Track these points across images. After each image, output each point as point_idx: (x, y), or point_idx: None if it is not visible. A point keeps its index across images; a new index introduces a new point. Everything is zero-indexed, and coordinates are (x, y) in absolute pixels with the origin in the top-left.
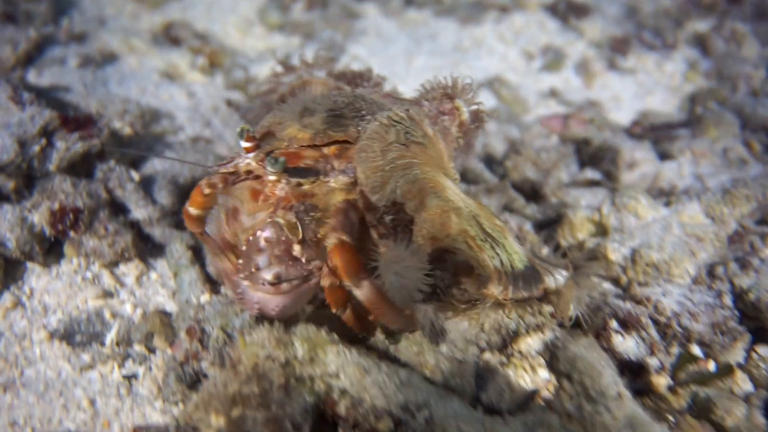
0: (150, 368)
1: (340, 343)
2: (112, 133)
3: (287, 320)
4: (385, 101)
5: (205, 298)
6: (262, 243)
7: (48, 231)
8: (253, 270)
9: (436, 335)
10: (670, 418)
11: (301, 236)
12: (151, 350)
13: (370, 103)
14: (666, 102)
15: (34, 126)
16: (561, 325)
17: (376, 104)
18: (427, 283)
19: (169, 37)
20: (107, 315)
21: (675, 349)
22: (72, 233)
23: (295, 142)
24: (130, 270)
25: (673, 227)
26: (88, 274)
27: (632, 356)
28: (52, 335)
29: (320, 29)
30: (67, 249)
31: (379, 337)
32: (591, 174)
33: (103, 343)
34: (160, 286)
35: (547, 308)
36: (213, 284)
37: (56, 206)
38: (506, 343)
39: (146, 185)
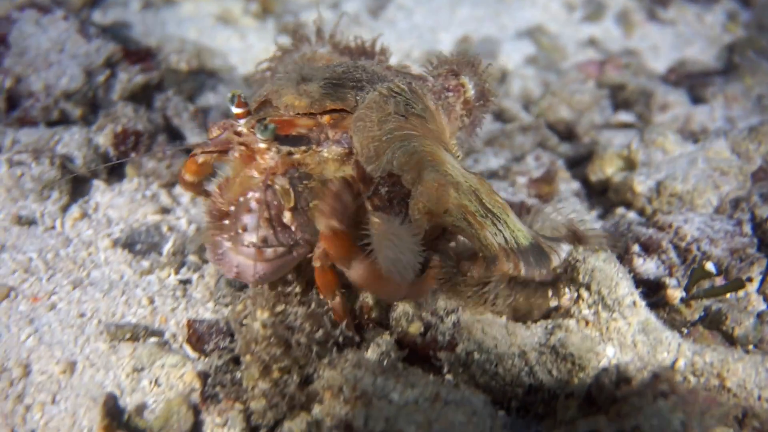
0: (203, 276)
1: None
2: (170, 67)
3: None
4: (388, 73)
5: None
6: (253, 204)
7: (111, 151)
8: (239, 230)
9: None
10: (683, 329)
11: (293, 203)
12: (204, 260)
13: (371, 74)
14: (704, 52)
15: (99, 57)
16: None
17: (377, 75)
18: (420, 260)
19: None
20: (164, 228)
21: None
22: (133, 154)
23: (291, 110)
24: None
25: (699, 161)
26: (148, 193)
27: (651, 276)
28: (115, 243)
29: None
30: (129, 169)
31: None
32: (624, 116)
33: (160, 253)
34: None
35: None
36: None
37: (119, 129)
38: None
39: (201, 115)
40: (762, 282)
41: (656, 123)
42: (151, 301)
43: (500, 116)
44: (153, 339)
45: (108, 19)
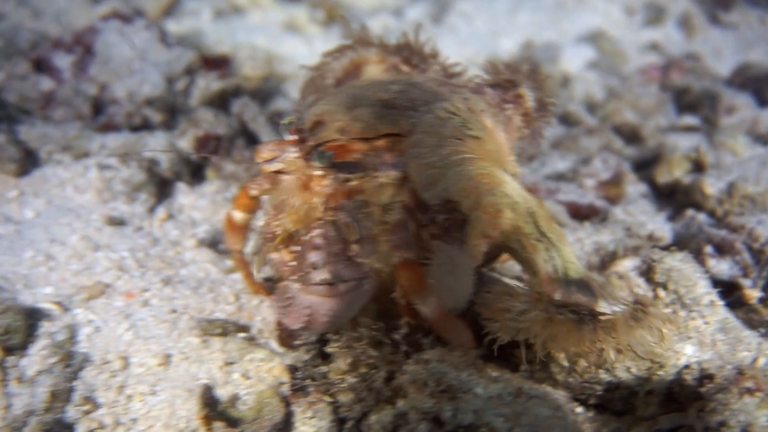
0: None
1: None
2: (243, 73)
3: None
4: (443, 90)
5: None
6: (319, 240)
7: (194, 155)
8: (307, 270)
9: None
10: (761, 329)
11: (357, 235)
12: None
13: (426, 92)
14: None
15: (179, 65)
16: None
17: (432, 93)
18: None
19: None
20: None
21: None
22: (213, 157)
23: (345, 135)
24: None
25: None
26: (228, 194)
27: (726, 277)
28: (200, 243)
29: None
30: (210, 172)
31: None
32: (689, 119)
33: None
34: None
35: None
36: None
37: (201, 133)
38: (605, 264)
39: (273, 119)
40: None
41: (723, 126)
42: (237, 298)
43: (565, 120)
44: (241, 334)
45: (183, 27)
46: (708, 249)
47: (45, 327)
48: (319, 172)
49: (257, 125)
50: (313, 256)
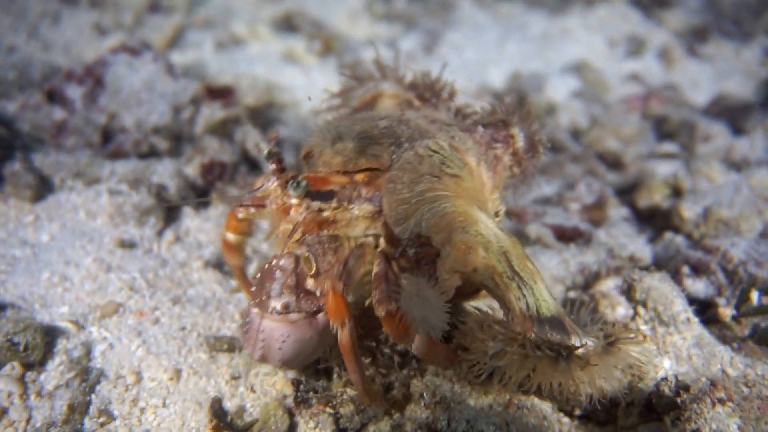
0: None
1: None
2: (244, 102)
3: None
4: (431, 127)
5: None
6: (276, 271)
7: (200, 181)
8: (264, 297)
9: None
10: (734, 344)
11: (315, 270)
12: None
13: (413, 129)
14: (742, 86)
15: (185, 95)
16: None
17: (419, 131)
18: (447, 318)
19: (289, 24)
20: (249, 251)
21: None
22: (218, 183)
23: (328, 167)
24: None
25: (743, 189)
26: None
27: (701, 295)
28: (206, 264)
29: (420, 19)
30: (215, 197)
31: None
32: (668, 147)
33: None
34: None
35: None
36: None
37: (206, 160)
38: (588, 283)
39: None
40: None
41: (700, 153)
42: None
43: (551, 146)
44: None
45: (186, 58)
46: (685, 269)
47: (62, 344)
48: (294, 201)
49: (259, 153)
50: (270, 285)
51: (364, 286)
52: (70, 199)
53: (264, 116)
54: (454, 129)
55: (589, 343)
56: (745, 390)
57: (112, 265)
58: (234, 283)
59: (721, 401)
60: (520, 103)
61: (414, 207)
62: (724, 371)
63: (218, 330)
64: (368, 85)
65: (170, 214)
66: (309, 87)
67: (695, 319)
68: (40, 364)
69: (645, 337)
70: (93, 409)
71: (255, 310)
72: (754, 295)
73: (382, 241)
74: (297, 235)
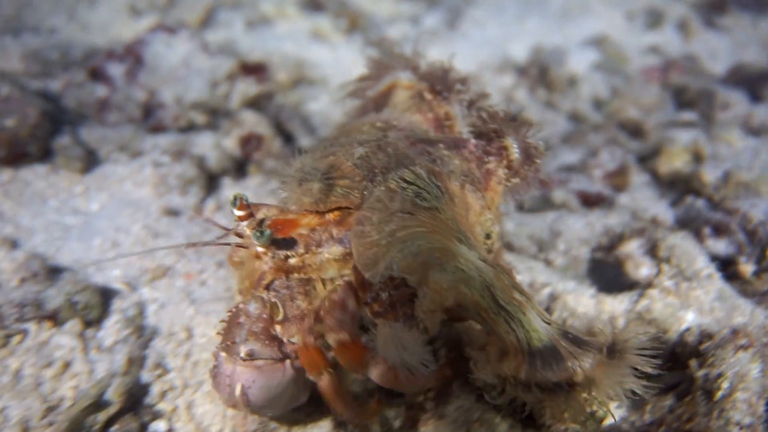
0: None
1: None
2: (276, 78)
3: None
4: (411, 152)
5: None
6: (242, 317)
7: (238, 152)
8: (230, 342)
9: None
10: (755, 298)
11: (282, 315)
12: None
13: (390, 157)
14: (759, 57)
15: (221, 71)
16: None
17: (396, 158)
18: (429, 358)
19: (315, 3)
20: None
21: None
22: (255, 155)
23: (299, 207)
24: None
25: (762, 153)
26: (268, 188)
27: (723, 254)
28: None
29: None
30: (252, 167)
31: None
32: (688, 115)
33: None
34: None
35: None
36: None
37: (244, 133)
38: (613, 245)
39: (306, 120)
40: None
41: (719, 120)
42: None
43: (573, 117)
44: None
45: (218, 37)
46: (707, 230)
47: (117, 304)
48: (260, 249)
49: (292, 125)
50: (236, 330)
51: None
52: (116, 170)
53: (296, 91)
54: (439, 149)
55: (587, 364)
56: (765, 339)
57: (159, 232)
58: None
59: (743, 347)
60: (509, 113)
61: (384, 249)
62: (745, 322)
63: None
64: (385, 78)
65: (211, 183)
66: (336, 63)
67: (717, 275)
68: (98, 322)
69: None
70: (149, 363)
71: (223, 354)
72: None
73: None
74: (265, 281)
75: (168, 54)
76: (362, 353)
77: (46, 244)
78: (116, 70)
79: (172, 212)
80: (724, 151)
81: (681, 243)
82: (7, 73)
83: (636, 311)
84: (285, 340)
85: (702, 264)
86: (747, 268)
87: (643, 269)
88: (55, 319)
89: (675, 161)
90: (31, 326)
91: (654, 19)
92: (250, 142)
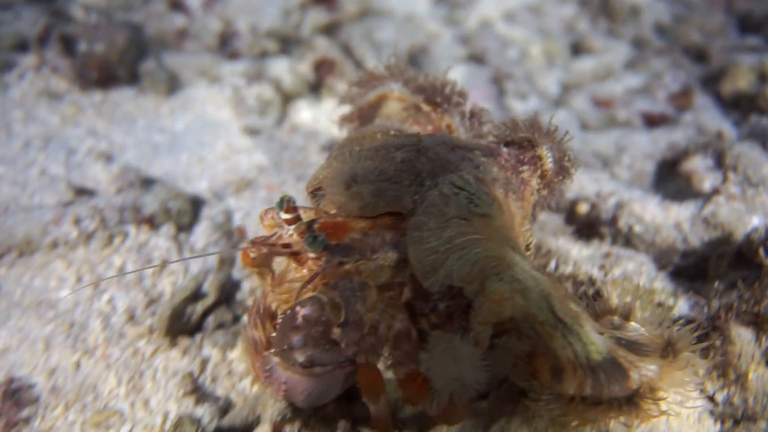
0: None
1: None
2: (344, 8)
3: None
4: (453, 157)
5: None
6: (299, 320)
7: (312, 75)
8: (285, 347)
9: None
10: None
11: (343, 318)
12: None
13: (434, 162)
14: None
15: (294, 1)
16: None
17: (440, 163)
18: (485, 376)
19: None
20: None
21: None
22: (328, 78)
23: (343, 212)
24: None
25: None
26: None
27: None
28: (322, 148)
29: None
30: (324, 90)
31: None
32: (752, 40)
33: None
34: None
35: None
36: None
37: (317, 57)
38: (677, 159)
39: (374, 46)
40: None
41: None
42: None
43: (636, 43)
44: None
45: None
46: None
47: (206, 212)
48: (312, 255)
49: (362, 51)
50: (293, 336)
51: None
52: (198, 93)
53: (363, 21)
54: (477, 156)
55: (650, 371)
56: None
57: (240, 149)
58: None
59: None
60: (542, 123)
61: (443, 256)
62: None
63: None
64: (375, 88)
65: (288, 105)
66: None
67: None
68: (189, 227)
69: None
70: (238, 261)
71: (276, 359)
72: None
73: (407, 291)
74: (307, 288)
75: None
76: (428, 386)
77: (138, 158)
78: (194, 1)
79: (253, 131)
80: None
81: (748, 151)
82: (92, 5)
83: (702, 216)
84: (342, 345)
85: None
86: None
87: (707, 182)
88: (152, 222)
89: (739, 82)
90: (131, 228)
91: None
92: (323, 66)
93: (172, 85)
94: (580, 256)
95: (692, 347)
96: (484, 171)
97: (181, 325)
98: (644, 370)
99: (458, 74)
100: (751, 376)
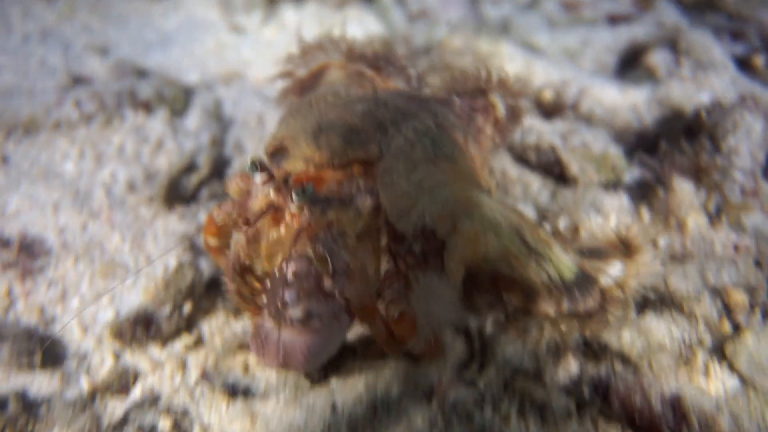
0: None
1: None
2: None
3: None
4: (411, 106)
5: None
6: (290, 277)
7: None
8: (279, 307)
9: None
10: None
11: (331, 268)
12: None
13: (394, 111)
14: None
15: None
16: None
17: (401, 111)
18: (460, 314)
19: None
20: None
21: None
22: None
23: (311, 164)
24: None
25: None
26: (326, 10)
27: (739, 53)
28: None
29: None
30: None
31: None
32: None
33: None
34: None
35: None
36: None
37: None
38: (636, 54)
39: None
40: None
41: None
42: None
43: None
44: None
45: None
46: (725, 35)
47: (197, 99)
48: (294, 209)
49: None
50: (286, 294)
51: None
52: None
53: None
54: (434, 103)
55: (616, 270)
56: None
57: (228, 44)
58: None
59: (749, 109)
60: (492, 72)
61: (414, 198)
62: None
63: None
64: (317, 58)
65: (273, 6)
66: None
67: (731, 64)
68: (182, 112)
69: None
70: (230, 141)
71: (270, 324)
72: None
73: (383, 235)
74: (290, 244)
75: None
76: (415, 323)
77: (132, 53)
78: None
79: (239, 29)
80: None
81: (699, 38)
82: None
83: (656, 98)
84: (336, 293)
85: (718, 55)
86: (759, 61)
87: (663, 68)
88: (147, 107)
89: None
90: (129, 112)
91: None
92: None
93: None
94: (543, 129)
95: (643, 235)
96: (443, 118)
97: (178, 194)
98: (611, 270)
99: None
100: (689, 224)
